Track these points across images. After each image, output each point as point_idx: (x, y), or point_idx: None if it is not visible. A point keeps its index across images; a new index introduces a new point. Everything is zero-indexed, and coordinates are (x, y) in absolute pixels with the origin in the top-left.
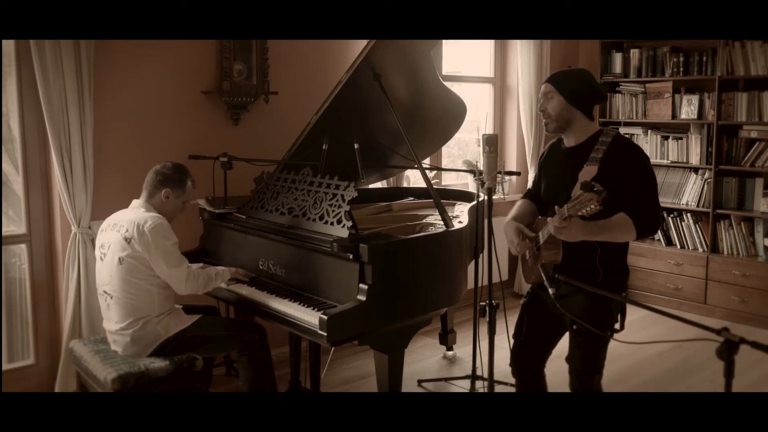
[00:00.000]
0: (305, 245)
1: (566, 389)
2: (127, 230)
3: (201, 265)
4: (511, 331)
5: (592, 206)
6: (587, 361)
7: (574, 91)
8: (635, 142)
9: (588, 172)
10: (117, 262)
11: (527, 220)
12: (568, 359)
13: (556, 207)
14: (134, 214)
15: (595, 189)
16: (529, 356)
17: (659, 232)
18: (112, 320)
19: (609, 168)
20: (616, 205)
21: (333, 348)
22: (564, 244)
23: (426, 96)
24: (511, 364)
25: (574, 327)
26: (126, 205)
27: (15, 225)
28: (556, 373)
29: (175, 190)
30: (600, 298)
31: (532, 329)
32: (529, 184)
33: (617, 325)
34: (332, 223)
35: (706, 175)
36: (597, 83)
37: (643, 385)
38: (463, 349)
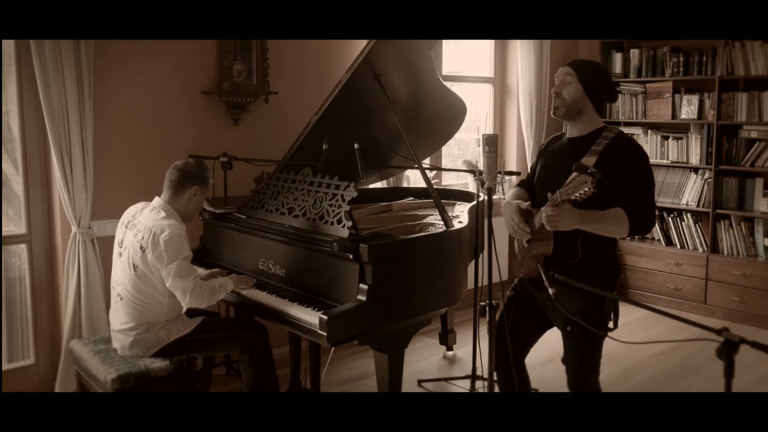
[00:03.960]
0: (305, 245)
1: (566, 389)
2: (143, 237)
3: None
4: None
5: (586, 189)
6: (583, 362)
7: (592, 82)
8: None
9: (585, 162)
10: (132, 268)
11: None
12: (565, 360)
13: (549, 194)
14: (152, 220)
15: (589, 171)
16: (507, 351)
17: (659, 232)
18: (118, 318)
19: (607, 161)
20: (612, 199)
21: (333, 348)
22: (555, 236)
23: (426, 96)
24: (489, 357)
25: (568, 329)
26: (126, 205)
27: (15, 225)
28: (558, 372)
29: (201, 187)
30: (593, 298)
31: (517, 325)
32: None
33: (611, 324)
34: (332, 223)
35: (706, 175)
36: (613, 82)
37: (643, 385)
38: (463, 349)
